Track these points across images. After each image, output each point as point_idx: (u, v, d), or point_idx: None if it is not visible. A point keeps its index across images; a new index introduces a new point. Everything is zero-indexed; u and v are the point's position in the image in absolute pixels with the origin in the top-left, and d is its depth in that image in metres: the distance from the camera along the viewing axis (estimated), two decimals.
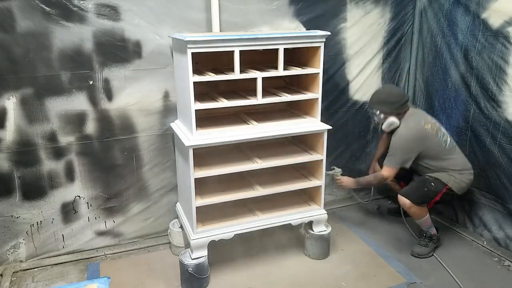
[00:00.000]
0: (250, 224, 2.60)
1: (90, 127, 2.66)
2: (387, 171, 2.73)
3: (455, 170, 2.75)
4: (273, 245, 2.93)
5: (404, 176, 2.96)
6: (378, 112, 2.77)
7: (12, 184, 2.59)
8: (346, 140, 3.43)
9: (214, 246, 2.64)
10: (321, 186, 2.72)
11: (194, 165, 2.37)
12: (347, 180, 2.91)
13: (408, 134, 2.67)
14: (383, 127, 2.78)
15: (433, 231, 2.89)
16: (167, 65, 2.70)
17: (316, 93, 2.60)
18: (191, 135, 2.37)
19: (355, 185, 2.92)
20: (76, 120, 2.62)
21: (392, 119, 2.73)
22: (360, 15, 3.15)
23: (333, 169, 2.94)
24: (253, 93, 2.49)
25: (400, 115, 2.74)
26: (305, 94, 2.64)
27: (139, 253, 2.91)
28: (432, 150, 2.72)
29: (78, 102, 2.59)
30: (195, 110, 2.31)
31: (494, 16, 2.71)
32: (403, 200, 2.75)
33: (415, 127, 2.68)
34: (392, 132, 2.80)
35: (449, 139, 2.79)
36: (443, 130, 2.82)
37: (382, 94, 2.82)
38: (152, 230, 3.01)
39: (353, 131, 3.44)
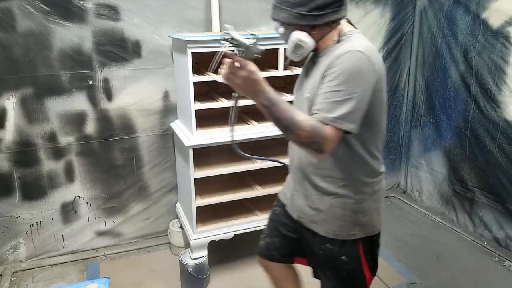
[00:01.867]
0: (250, 224, 2.60)
1: (90, 127, 2.66)
2: (330, 131, 1.25)
3: (372, 183, 1.48)
4: None
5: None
6: (279, 24, 1.46)
7: (11, 184, 2.58)
8: None
9: (214, 246, 2.64)
10: None
11: (194, 165, 2.37)
12: (251, 74, 1.22)
13: (359, 59, 1.27)
14: (287, 51, 1.46)
15: None
16: (167, 65, 2.70)
17: None
18: (191, 135, 2.37)
19: (263, 99, 1.25)
20: (76, 120, 2.62)
21: (297, 36, 1.37)
22: (360, 15, 3.15)
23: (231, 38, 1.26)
24: None
25: (319, 30, 1.38)
26: None
27: (139, 253, 2.91)
28: (379, 110, 1.39)
29: (78, 102, 2.59)
30: (195, 110, 2.31)
31: (494, 16, 2.71)
32: None
33: (368, 47, 1.32)
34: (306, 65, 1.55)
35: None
36: None
37: None
38: (152, 230, 3.00)
39: None
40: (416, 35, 3.37)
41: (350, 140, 1.38)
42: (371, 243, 1.54)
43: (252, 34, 1.21)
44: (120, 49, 2.58)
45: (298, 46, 1.39)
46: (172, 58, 2.67)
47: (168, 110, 2.80)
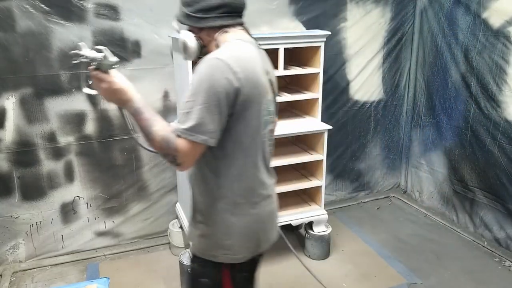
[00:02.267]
0: None
1: (90, 127, 2.65)
2: (182, 144, 1.21)
3: (235, 204, 1.35)
4: (273, 245, 2.92)
5: None
6: (177, 22, 1.42)
7: (11, 184, 2.58)
8: (346, 140, 3.42)
9: None
10: (321, 186, 2.71)
11: None
12: (112, 85, 1.26)
13: (212, 67, 1.21)
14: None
15: None
16: (167, 64, 2.69)
17: (316, 93, 2.60)
18: None
19: (129, 108, 1.30)
20: (76, 120, 2.61)
21: (183, 36, 1.38)
22: (360, 15, 3.14)
23: (100, 51, 1.23)
24: None
25: (206, 34, 1.36)
26: (305, 94, 2.63)
27: (139, 253, 2.90)
28: (247, 123, 1.29)
29: (78, 102, 2.58)
30: None
31: (495, 16, 2.70)
32: None
33: (237, 55, 1.26)
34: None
35: (269, 126, 1.39)
36: (273, 105, 1.42)
37: None
38: (152, 230, 3.00)
39: (353, 131, 3.43)
40: (416, 34, 3.37)
41: (205, 156, 1.29)
42: (239, 269, 1.41)
43: (98, 49, 1.21)
44: (120, 49, 2.57)
45: (184, 47, 1.38)
46: (172, 58, 2.66)
47: (168, 110, 2.79)
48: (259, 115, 1.30)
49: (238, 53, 1.27)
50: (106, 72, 1.23)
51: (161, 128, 1.23)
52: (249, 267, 1.47)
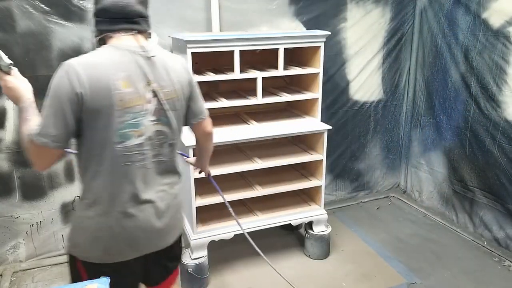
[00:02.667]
0: (250, 224, 2.60)
1: None
2: (32, 145, 1.26)
3: (90, 207, 1.36)
4: (273, 245, 2.93)
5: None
6: None
7: (11, 184, 2.58)
8: (346, 140, 3.43)
9: (214, 246, 2.64)
10: (321, 186, 2.72)
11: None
12: (6, 83, 1.36)
13: (61, 71, 1.27)
14: None
15: None
16: None
17: (316, 93, 2.60)
18: (190, 135, 2.36)
19: (20, 106, 1.36)
20: None
21: (93, 40, 1.49)
22: (360, 15, 3.14)
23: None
24: (253, 93, 2.49)
25: (101, 36, 1.38)
26: (305, 94, 2.64)
27: None
28: (95, 133, 1.29)
29: None
30: None
31: (495, 16, 2.70)
32: None
33: (91, 61, 1.27)
34: None
35: (134, 140, 1.32)
36: (158, 117, 1.37)
37: None
38: None
39: (353, 131, 3.43)
40: (416, 35, 3.37)
41: (76, 157, 1.41)
42: (96, 268, 1.37)
43: None
44: None
45: None
46: None
47: None
48: (109, 127, 1.28)
49: (94, 59, 1.29)
50: (7, 72, 1.34)
51: (28, 128, 1.28)
52: (115, 272, 1.36)
